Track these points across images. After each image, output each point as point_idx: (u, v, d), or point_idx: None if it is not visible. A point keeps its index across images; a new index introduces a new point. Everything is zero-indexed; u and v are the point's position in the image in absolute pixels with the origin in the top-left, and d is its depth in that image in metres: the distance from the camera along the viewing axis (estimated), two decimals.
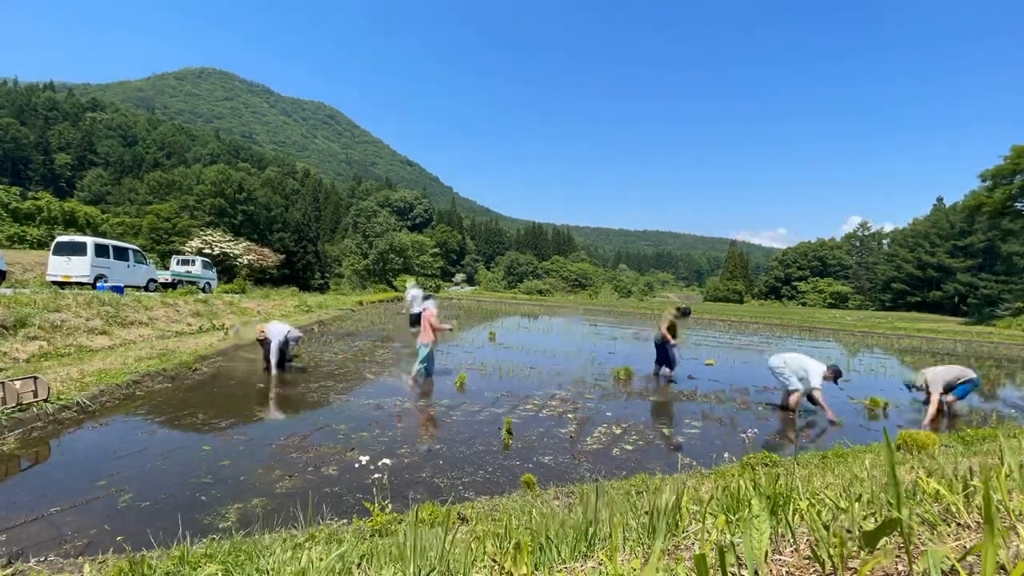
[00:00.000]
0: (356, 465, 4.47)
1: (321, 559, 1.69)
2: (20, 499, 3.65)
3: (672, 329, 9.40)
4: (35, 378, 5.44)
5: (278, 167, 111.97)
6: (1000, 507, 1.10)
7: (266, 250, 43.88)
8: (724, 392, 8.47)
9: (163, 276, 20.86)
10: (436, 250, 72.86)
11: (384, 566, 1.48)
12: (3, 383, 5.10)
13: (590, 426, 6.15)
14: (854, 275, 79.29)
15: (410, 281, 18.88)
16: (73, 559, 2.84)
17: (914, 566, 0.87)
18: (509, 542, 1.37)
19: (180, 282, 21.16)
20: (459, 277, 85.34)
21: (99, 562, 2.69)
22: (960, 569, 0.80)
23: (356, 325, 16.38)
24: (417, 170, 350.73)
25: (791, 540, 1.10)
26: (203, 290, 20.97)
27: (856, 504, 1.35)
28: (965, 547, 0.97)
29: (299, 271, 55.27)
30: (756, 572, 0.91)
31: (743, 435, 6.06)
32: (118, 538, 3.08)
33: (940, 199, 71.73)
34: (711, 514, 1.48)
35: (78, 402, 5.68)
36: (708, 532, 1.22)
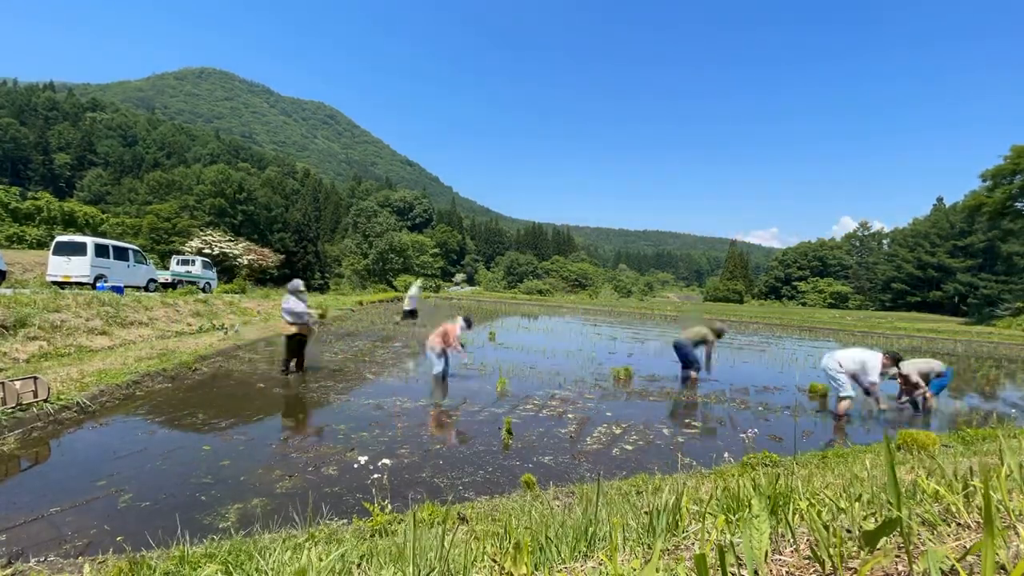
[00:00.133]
0: (356, 465, 4.47)
1: (321, 559, 1.69)
2: (20, 499, 3.66)
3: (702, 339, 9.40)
4: (35, 378, 5.44)
5: (278, 167, 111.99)
6: (1000, 507, 1.10)
7: (266, 250, 43.92)
8: (724, 392, 8.48)
9: (163, 276, 20.86)
10: (436, 250, 72.91)
11: (384, 566, 1.48)
12: (3, 383, 5.10)
13: (590, 426, 6.15)
14: (854, 275, 79.31)
15: (418, 282, 19.22)
16: (73, 559, 2.84)
17: (914, 566, 0.87)
18: (509, 542, 1.37)
19: (180, 282, 21.16)
20: (459, 277, 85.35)
21: (99, 562, 2.69)
22: (960, 569, 0.80)
23: (356, 325, 16.39)
24: (417, 170, 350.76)
25: (791, 540, 1.10)
26: (203, 290, 20.97)
27: (856, 504, 1.35)
28: (965, 547, 0.97)
29: (299, 271, 55.29)
30: (756, 572, 0.91)
31: (743, 435, 6.06)
32: (118, 538, 3.08)
33: (940, 199, 71.79)
34: (711, 514, 1.48)
35: (78, 402, 5.68)
36: (708, 532, 1.22)
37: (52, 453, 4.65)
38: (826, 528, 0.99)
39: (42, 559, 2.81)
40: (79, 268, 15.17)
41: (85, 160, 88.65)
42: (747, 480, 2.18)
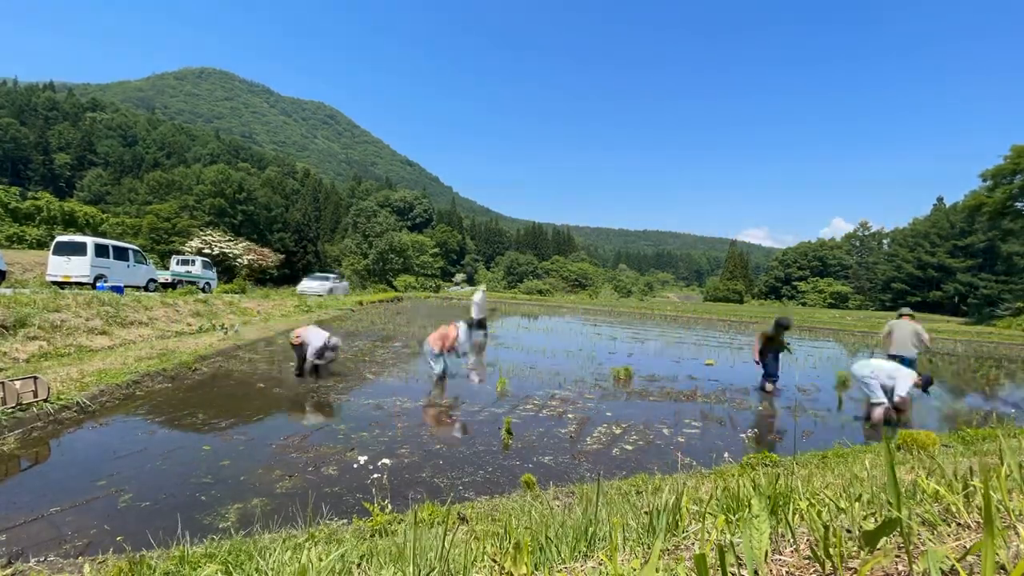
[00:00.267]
0: (355, 465, 4.47)
1: (321, 559, 1.69)
2: (20, 499, 3.66)
3: (770, 340, 8.57)
4: (35, 378, 5.44)
5: (278, 167, 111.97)
6: (1000, 507, 1.10)
7: (266, 250, 43.95)
8: (724, 392, 8.48)
9: (163, 276, 20.86)
10: (436, 250, 72.88)
11: (384, 566, 1.48)
12: (3, 383, 5.10)
13: (590, 426, 6.15)
14: (854, 275, 79.30)
15: (481, 286, 16.58)
16: (73, 559, 2.84)
17: (914, 566, 0.87)
18: (509, 542, 1.37)
19: (180, 282, 21.16)
20: (459, 277, 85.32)
21: (99, 562, 2.69)
22: (960, 569, 0.80)
23: (356, 325, 16.38)
24: (417, 170, 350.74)
25: (791, 540, 1.10)
26: (203, 290, 20.97)
27: (856, 504, 1.35)
28: (965, 547, 0.97)
29: (299, 271, 55.29)
30: (756, 572, 0.91)
31: (743, 435, 6.07)
32: (118, 538, 3.08)
33: (940, 199, 71.78)
34: (711, 514, 1.48)
35: (78, 402, 5.68)
36: (708, 532, 1.22)
37: (52, 453, 4.65)
38: (826, 528, 0.99)
39: (42, 559, 2.81)
40: (79, 268, 15.18)
41: (85, 160, 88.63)
42: (747, 480, 2.18)
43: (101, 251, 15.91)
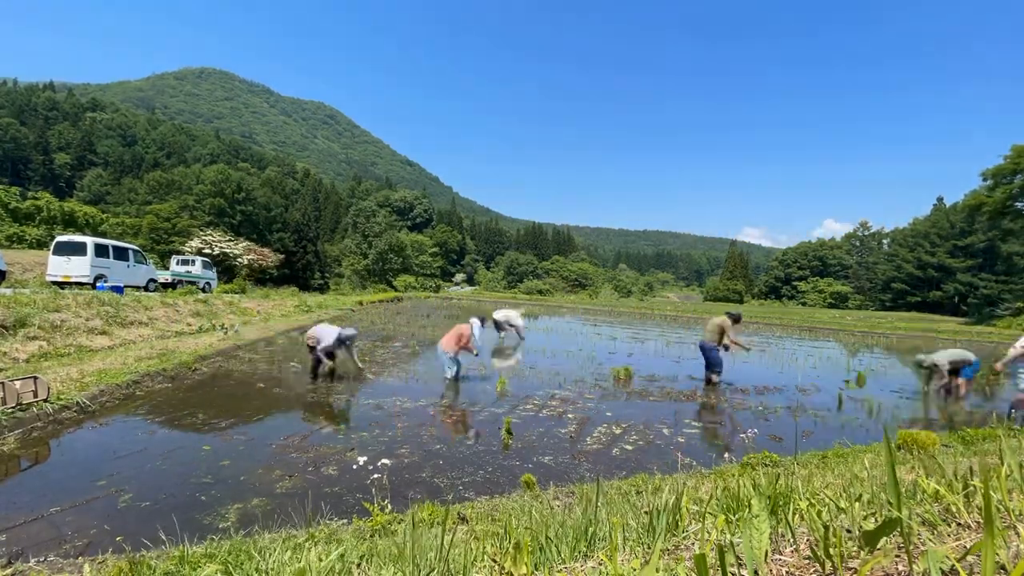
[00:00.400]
0: (355, 465, 4.47)
1: (321, 559, 1.69)
2: (20, 499, 3.66)
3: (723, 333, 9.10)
4: (35, 378, 5.44)
5: (278, 167, 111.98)
6: (1000, 507, 1.10)
7: (266, 250, 43.89)
8: (724, 392, 8.48)
9: (163, 276, 20.85)
10: (436, 250, 72.90)
11: (384, 566, 1.48)
12: (3, 383, 5.10)
13: (590, 426, 6.15)
14: (854, 275, 79.27)
15: (521, 310, 15.76)
16: (73, 559, 2.84)
17: (914, 566, 0.87)
18: (509, 542, 1.37)
19: (180, 282, 21.16)
20: (459, 277, 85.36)
21: (99, 562, 2.69)
22: (960, 569, 0.80)
23: (356, 325, 16.37)
24: (417, 170, 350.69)
25: (791, 540, 1.10)
26: (203, 290, 20.97)
27: (856, 504, 1.35)
28: (965, 547, 0.97)
29: (299, 271, 55.27)
30: (756, 572, 0.91)
31: (743, 435, 6.07)
32: (118, 538, 3.08)
33: (940, 199, 71.77)
34: (711, 514, 1.48)
35: (78, 402, 5.68)
36: (708, 532, 1.22)
37: (52, 453, 4.65)
38: (826, 528, 0.99)
39: (42, 559, 2.81)
40: (79, 268, 15.17)
41: (85, 160, 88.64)
42: (747, 480, 2.18)
43: (101, 251, 15.90)
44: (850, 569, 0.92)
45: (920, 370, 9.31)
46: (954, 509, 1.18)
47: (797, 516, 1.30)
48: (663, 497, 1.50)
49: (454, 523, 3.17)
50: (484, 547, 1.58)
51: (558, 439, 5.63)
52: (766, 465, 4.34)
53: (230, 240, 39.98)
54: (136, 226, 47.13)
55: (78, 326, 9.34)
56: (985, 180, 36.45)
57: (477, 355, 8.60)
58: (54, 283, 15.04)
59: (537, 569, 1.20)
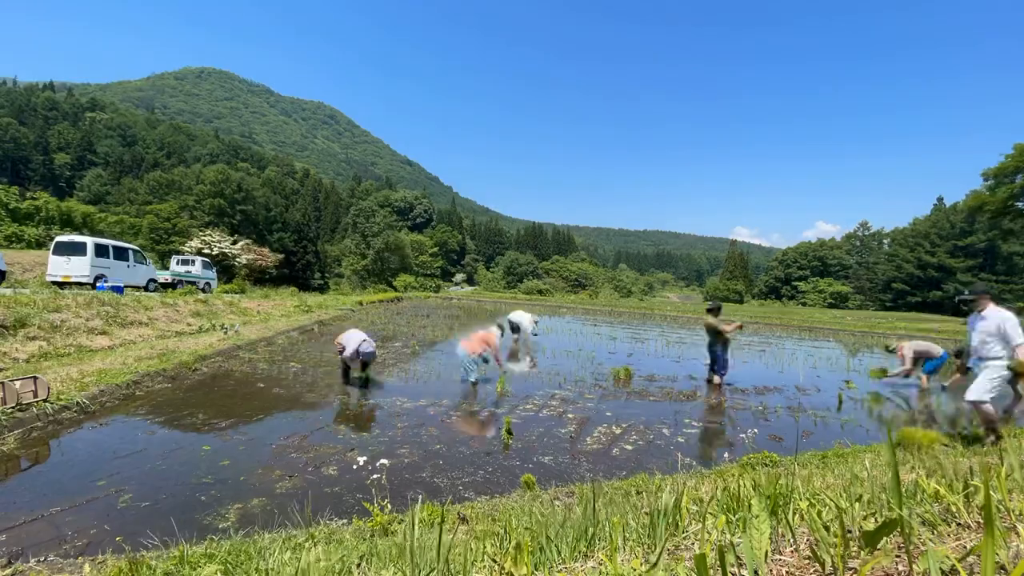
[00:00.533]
0: (355, 465, 4.47)
1: (321, 560, 1.69)
2: (20, 499, 3.65)
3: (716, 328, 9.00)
4: (35, 378, 5.44)
5: (278, 167, 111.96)
6: (1000, 507, 1.10)
7: (265, 250, 43.89)
8: (724, 392, 8.48)
9: (163, 276, 20.85)
10: (435, 250, 72.89)
11: (384, 566, 1.48)
12: (3, 383, 5.10)
13: (590, 426, 6.15)
14: (854, 275, 79.26)
15: (532, 317, 15.80)
16: (73, 559, 2.84)
17: (914, 566, 0.87)
18: (509, 542, 1.37)
19: (180, 282, 21.15)
20: (459, 277, 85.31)
21: (99, 562, 2.69)
22: (960, 569, 0.80)
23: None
24: (417, 170, 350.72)
25: (791, 540, 1.10)
26: (203, 290, 20.97)
27: (856, 504, 1.35)
28: (965, 547, 0.97)
29: (299, 271, 55.27)
30: (756, 572, 0.91)
31: (743, 435, 6.07)
32: (118, 538, 3.08)
33: (940, 199, 71.80)
34: (711, 514, 1.48)
35: (78, 402, 5.68)
36: (708, 532, 1.22)
37: (52, 453, 4.65)
38: (826, 528, 0.99)
39: (42, 559, 2.81)
40: (79, 268, 15.17)
41: (85, 160, 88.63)
42: (747, 480, 2.18)
43: (101, 251, 15.90)
44: (850, 569, 0.92)
45: (888, 353, 9.79)
46: (954, 509, 1.18)
47: (797, 516, 1.30)
48: (663, 497, 1.50)
49: (454, 523, 3.18)
50: (484, 547, 1.58)
51: (558, 439, 5.63)
52: (766, 465, 4.34)
53: (230, 240, 39.98)
54: (136, 226, 47.15)
55: (78, 326, 9.34)
56: (986, 180, 36.46)
57: (500, 366, 8.77)
58: (54, 283, 15.04)
59: (537, 569, 1.20)
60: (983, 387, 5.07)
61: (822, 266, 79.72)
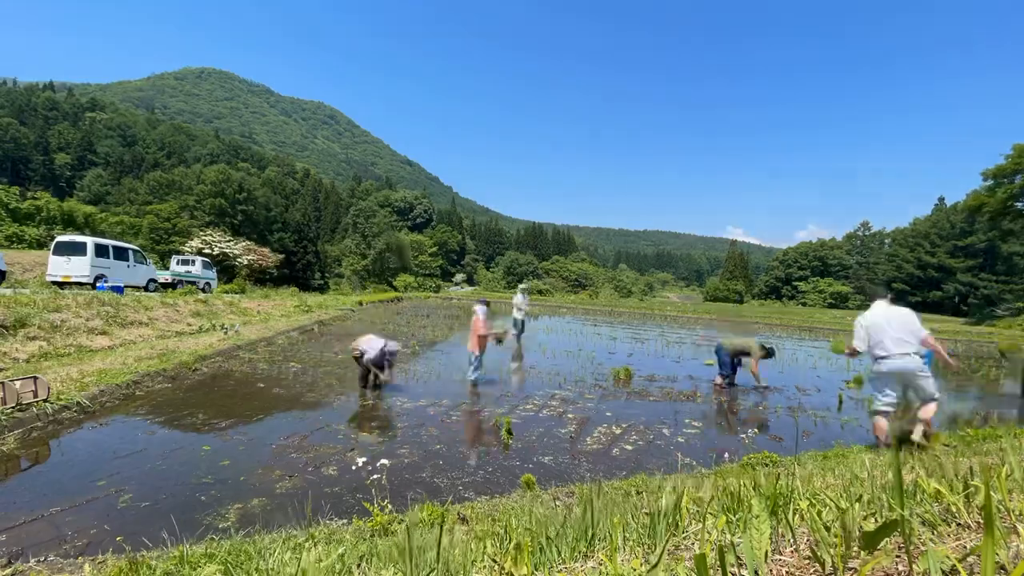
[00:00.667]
0: (355, 466, 4.47)
1: (321, 559, 1.69)
2: (20, 499, 3.65)
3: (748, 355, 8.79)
4: (35, 378, 5.44)
5: (278, 167, 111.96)
6: (1000, 507, 1.10)
7: (266, 250, 43.85)
8: (725, 392, 8.47)
9: (163, 276, 20.85)
10: (436, 250, 72.88)
11: (384, 566, 1.48)
12: (3, 383, 5.10)
13: (590, 426, 6.15)
14: (855, 275, 79.25)
15: (521, 286, 16.70)
16: (73, 559, 2.84)
17: (914, 566, 0.87)
18: (509, 542, 1.37)
19: (180, 282, 21.15)
20: (459, 277, 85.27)
21: (99, 562, 2.69)
22: (960, 569, 0.80)
23: (356, 325, 16.38)
24: (417, 170, 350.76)
25: (791, 540, 1.10)
26: (203, 290, 20.97)
27: (856, 504, 1.35)
28: (965, 547, 0.97)
29: (299, 271, 55.24)
30: (756, 572, 0.91)
31: (743, 435, 6.07)
32: (118, 538, 3.08)
33: (941, 199, 71.80)
34: (711, 514, 1.48)
35: (78, 402, 5.68)
36: (708, 532, 1.22)
37: (52, 453, 4.65)
38: (826, 528, 0.99)
39: (42, 559, 2.81)
40: (79, 268, 15.17)
41: (85, 160, 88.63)
42: (747, 480, 2.18)
43: (101, 251, 15.90)
44: (850, 569, 0.92)
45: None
46: (954, 509, 1.18)
47: (797, 516, 1.30)
48: (663, 497, 1.50)
49: (454, 523, 3.17)
50: (484, 547, 1.58)
51: (558, 439, 5.63)
52: (766, 465, 4.34)
53: (230, 240, 39.96)
54: (136, 226, 47.13)
55: (78, 326, 9.34)
56: (986, 180, 36.46)
57: (503, 334, 8.81)
58: (54, 283, 15.04)
59: (537, 569, 1.20)
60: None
61: (822, 266, 79.70)
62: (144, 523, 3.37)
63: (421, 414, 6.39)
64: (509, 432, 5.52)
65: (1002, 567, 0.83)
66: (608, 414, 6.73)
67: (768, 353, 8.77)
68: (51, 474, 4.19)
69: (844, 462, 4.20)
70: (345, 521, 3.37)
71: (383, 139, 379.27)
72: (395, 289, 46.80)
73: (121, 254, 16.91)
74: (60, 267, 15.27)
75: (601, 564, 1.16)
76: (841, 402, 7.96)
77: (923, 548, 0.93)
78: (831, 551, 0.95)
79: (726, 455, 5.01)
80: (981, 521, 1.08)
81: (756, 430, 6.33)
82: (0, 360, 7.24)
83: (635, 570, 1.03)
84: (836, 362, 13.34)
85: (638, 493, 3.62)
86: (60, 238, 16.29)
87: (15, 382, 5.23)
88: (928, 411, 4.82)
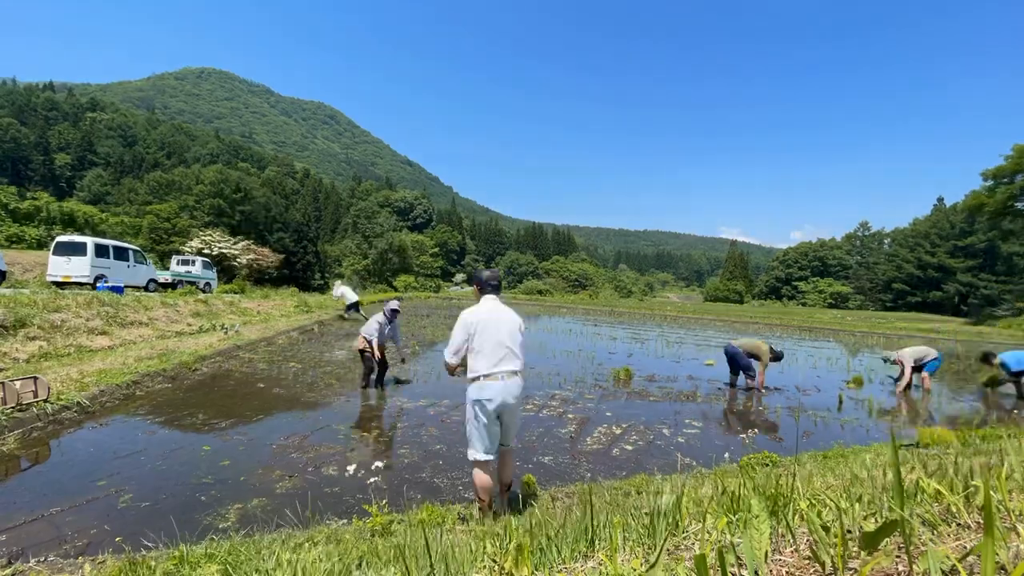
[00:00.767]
0: (355, 466, 4.47)
1: (321, 560, 1.69)
2: (20, 499, 3.65)
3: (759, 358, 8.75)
4: (35, 378, 5.44)
5: (278, 167, 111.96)
6: (1001, 507, 1.10)
7: (265, 250, 43.87)
8: (724, 392, 8.48)
9: (163, 276, 20.85)
10: (436, 250, 72.87)
11: (384, 566, 1.48)
12: (3, 383, 5.10)
13: (590, 426, 6.15)
14: (854, 275, 79.28)
15: (339, 281, 20.11)
16: (73, 559, 2.84)
17: (914, 566, 0.87)
18: (509, 542, 1.37)
19: (180, 282, 21.15)
20: (459, 277, 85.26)
21: (99, 562, 2.69)
22: (960, 569, 0.80)
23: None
24: (417, 170, 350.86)
25: (791, 540, 1.10)
26: (203, 290, 20.96)
27: (856, 504, 1.35)
28: (965, 547, 0.97)
29: (299, 271, 55.25)
30: (756, 572, 0.91)
31: (743, 435, 6.07)
32: (118, 538, 3.08)
33: (941, 199, 71.83)
34: (711, 514, 1.48)
35: (78, 402, 5.68)
36: (708, 532, 1.21)
37: (52, 453, 4.64)
38: (826, 529, 0.99)
39: (42, 559, 2.81)
40: (79, 268, 15.17)
41: (85, 160, 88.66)
42: (747, 480, 2.18)
43: (101, 251, 15.90)
44: (850, 569, 0.92)
45: (886, 364, 9.95)
46: (954, 509, 1.18)
47: (797, 516, 1.30)
48: (663, 497, 1.50)
49: (454, 523, 3.18)
50: (484, 547, 1.58)
51: (558, 439, 5.63)
52: (766, 465, 4.33)
53: (229, 240, 39.96)
54: (136, 226, 47.14)
55: (78, 326, 9.34)
56: (986, 180, 36.47)
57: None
58: (54, 283, 15.04)
59: (537, 569, 1.20)
60: None
61: (822, 266, 79.77)
62: (144, 523, 3.37)
63: (421, 414, 6.39)
64: None
65: (1002, 567, 0.83)
66: (608, 414, 6.73)
67: (777, 357, 8.80)
68: (51, 474, 4.19)
69: (844, 462, 4.20)
70: (345, 521, 3.37)
71: (383, 139, 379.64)
72: (395, 289, 46.83)
73: (121, 254, 16.91)
74: (60, 267, 15.27)
75: (601, 564, 1.16)
76: (841, 402, 7.95)
77: (923, 548, 0.93)
78: (831, 551, 0.95)
79: (726, 455, 5.01)
80: (981, 521, 1.08)
81: (756, 430, 6.33)
82: (0, 360, 7.24)
83: (635, 570, 1.03)
84: (836, 362, 13.35)
85: (638, 493, 3.62)
86: (60, 238, 16.29)
87: (15, 382, 5.23)
88: None
